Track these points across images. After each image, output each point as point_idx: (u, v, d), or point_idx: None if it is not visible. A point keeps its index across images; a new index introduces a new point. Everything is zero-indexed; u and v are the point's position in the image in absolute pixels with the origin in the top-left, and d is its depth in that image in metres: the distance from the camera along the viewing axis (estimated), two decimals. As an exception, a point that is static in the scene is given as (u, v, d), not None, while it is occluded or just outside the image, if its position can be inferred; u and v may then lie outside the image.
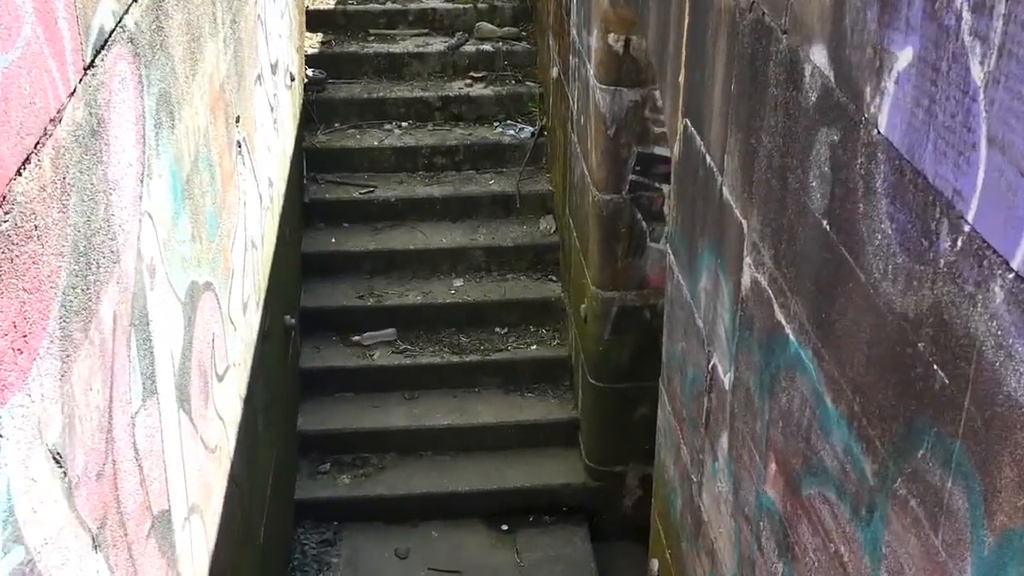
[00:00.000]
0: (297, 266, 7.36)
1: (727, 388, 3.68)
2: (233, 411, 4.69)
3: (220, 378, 4.39)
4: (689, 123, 4.09)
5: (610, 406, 6.66)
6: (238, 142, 5.00)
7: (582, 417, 7.02)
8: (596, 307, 6.40)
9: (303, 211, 7.75)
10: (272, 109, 6.35)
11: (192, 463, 3.81)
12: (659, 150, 6.01)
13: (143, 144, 3.28)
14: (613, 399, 6.64)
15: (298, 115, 7.73)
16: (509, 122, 8.29)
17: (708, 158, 3.82)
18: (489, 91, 8.41)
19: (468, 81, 8.46)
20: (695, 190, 4.02)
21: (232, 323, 4.70)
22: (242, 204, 5.07)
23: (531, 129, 8.19)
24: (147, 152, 3.33)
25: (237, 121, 4.98)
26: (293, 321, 6.59)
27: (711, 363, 3.89)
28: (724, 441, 3.73)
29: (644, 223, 6.17)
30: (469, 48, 8.61)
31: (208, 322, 4.18)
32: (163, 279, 3.48)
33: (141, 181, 3.25)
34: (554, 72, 7.55)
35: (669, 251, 4.57)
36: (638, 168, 6.05)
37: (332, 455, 7.00)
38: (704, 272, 3.95)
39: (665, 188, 6.10)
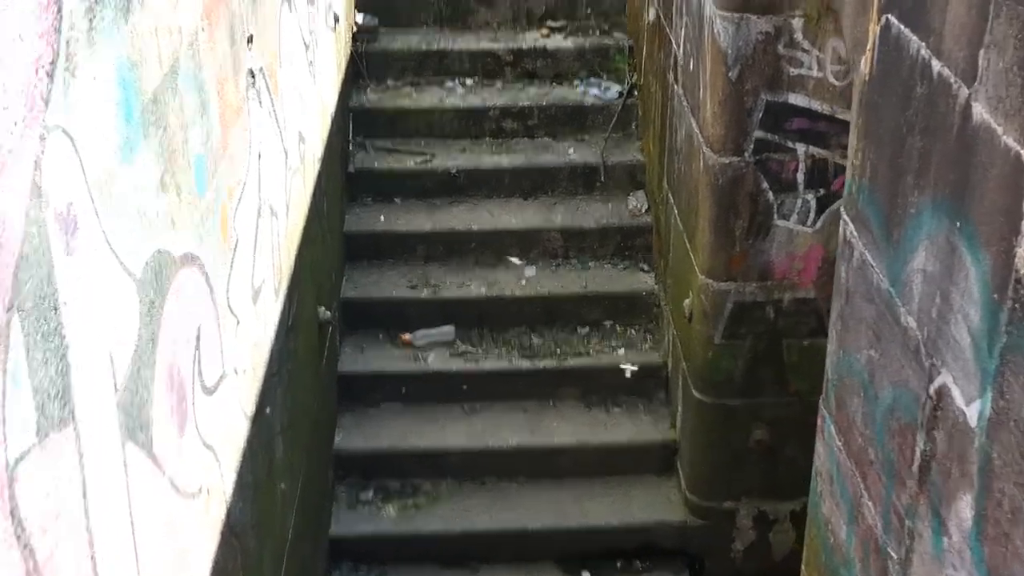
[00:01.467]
0: (338, 248, 6.12)
1: (974, 425, 2.34)
2: (233, 435, 3.43)
3: (210, 391, 3.14)
4: (894, 19, 2.75)
5: (719, 426, 5.33)
6: (251, 71, 3.75)
7: (682, 439, 5.69)
8: (705, 302, 5.07)
9: (347, 182, 6.51)
10: (307, 48, 5.11)
11: (151, 520, 2.56)
12: (794, 98, 4.66)
13: (55, 15, 2.03)
14: (723, 418, 5.30)
15: (343, 67, 6.49)
16: (593, 80, 6.96)
17: (937, 65, 2.48)
18: (569, 43, 7.09)
19: (544, 31, 7.15)
20: (906, 119, 2.68)
21: (234, 314, 3.44)
22: (255, 156, 3.82)
23: (619, 88, 6.86)
24: (65, 33, 2.08)
25: (250, 42, 3.73)
26: (329, 314, 5.34)
27: (935, 384, 2.55)
28: (965, 507, 2.39)
29: (771, 194, 4.83)
30: (546, -7, 7.31)
31: (189, 311, 2.92)
32: (96, 240, 2.23)
33: (49, 75, 2.00)
34: (651, 14, 6.22)
35: (845, 219, 3.23)
36: (766, 122, 4.70)
37: (376, 480, 5.73)
38: (921, 244, 2.61)
39: (800, 149, 4.76)
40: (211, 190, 3.17)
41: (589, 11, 7.20)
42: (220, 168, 3.28)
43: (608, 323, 6.26)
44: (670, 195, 5.79)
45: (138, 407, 2.47)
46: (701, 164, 4.96)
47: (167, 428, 2.69)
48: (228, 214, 3.39)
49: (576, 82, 7.01)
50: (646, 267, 6.39)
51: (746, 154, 4.75)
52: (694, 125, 5.11)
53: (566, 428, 5.86)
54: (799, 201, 4.85)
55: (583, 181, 6.65)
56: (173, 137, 2.78)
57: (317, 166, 5.37)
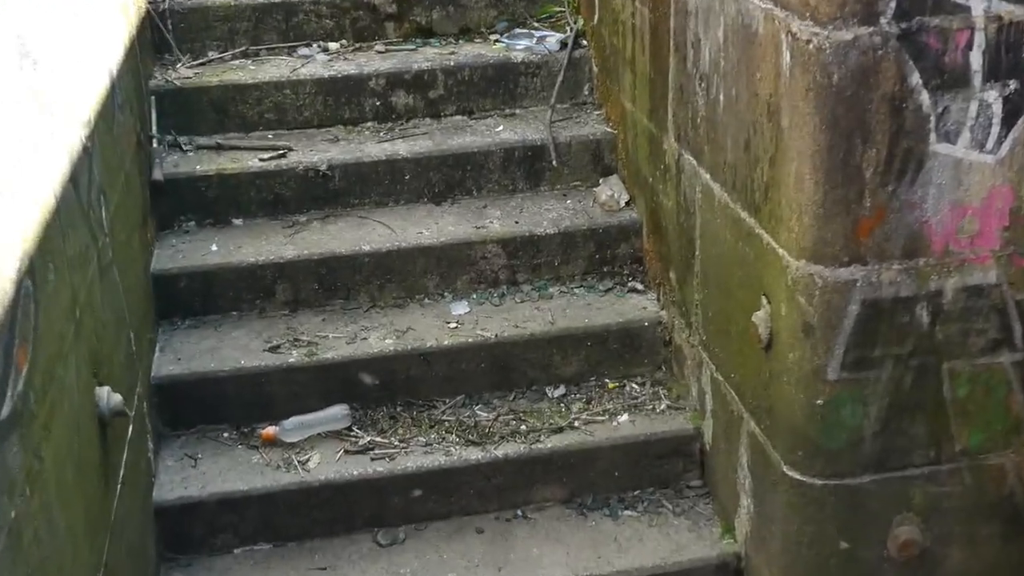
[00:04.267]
0: (140, 296, 3.66)
1: None
2: None
3: None
4: None
5: (836, 525, 3.06)
6: None
7: (754, 552, 3.38)
8: (808, 308, 2.82)
9: (152, 197, 4.08)
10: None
11: None
12: (969, -91, 2.53)
13: None
14: (843, 509, 3.05)
15: (132, 20, 4.10)
16: (518, 31, 4.75)
17: None
18: (478, -19, 4.89)
19: (439, -32, 4.91)
20: None
21: None
22: None
23: (559, 37, 4.65)
24: None
25: None
26: (120, 402, 2.85)
27: None
28: None
29: (927, 95, 2.65)
30: (435, -85, 5.08)
31: None
32: None
33: None
34: None
35: None
36: (917, -39, 2.55)
37: None
38: None
39: (976, 5, 2.60)
40: None
41: (502, -66, 5.00)
42: None
43: (594, 378, 3.95)
44: (688, 156, 3.55)
45: None
46: (785, 60, 2.74)
47: None
48: None
49: (492, 35, 4.78)
50: (640, 285, 4.13)
51: (883, 21, 2.56)
52: (751, 5, 2.90)
53: (553, 555, 3.49)
54: (973, 106, 2.68)
55: (525, 170, 4.38)
56: None
57: (81, 135, 2.95)
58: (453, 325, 3.95)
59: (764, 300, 3.04)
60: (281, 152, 4.26)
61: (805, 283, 2.82)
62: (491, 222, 4.20)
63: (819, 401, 2.91)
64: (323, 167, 4.23)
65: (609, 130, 4.40)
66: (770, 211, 2.94)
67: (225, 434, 3.73)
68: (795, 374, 2.93)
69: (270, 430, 3.68)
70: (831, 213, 2.72)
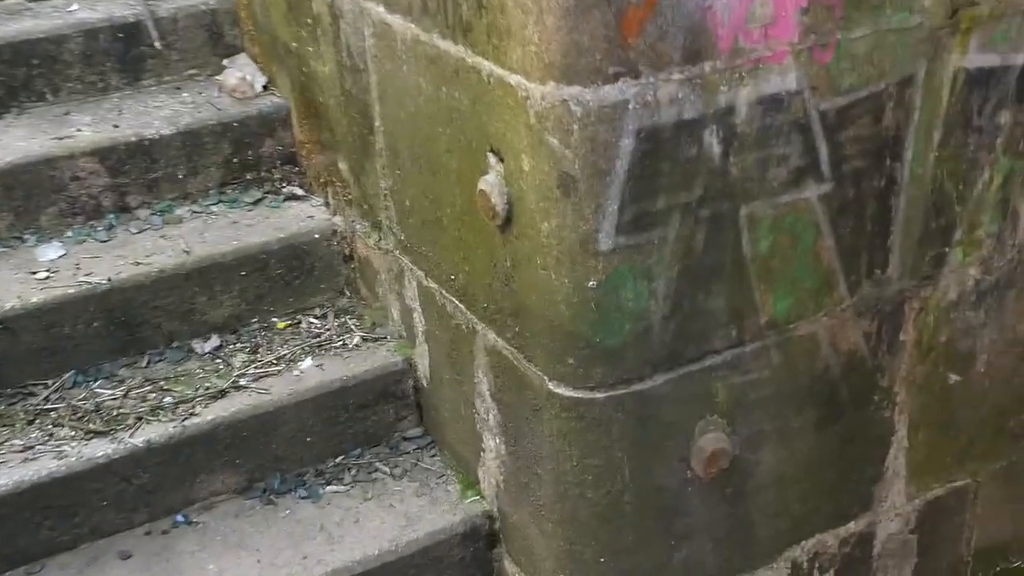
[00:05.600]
0: None
1: None
2: None
3: None
4: None
5: (625, 451, 2.27)
6: None
7: (512, 506, 2.53)
8: (562, 153, 1.97)
9: None
10: None
11: None
12: None
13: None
14: (634, 429, 2.25)
15: None
16: None
17: None
18: None
19: None
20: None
21: None
22: None
23: None
24: None
25: None
26: None
27: None
28: None
29: None
30: None
31: None
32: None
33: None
34: None
35: None
36: None
37: None
38: None
39: None
40: None
41: None
42: None
43: (256, 319, 2.92)
44: (346, -9, 2.59)
45: None
46: None
47: None
48: None
49: None
50: (299, 189, 3.12)
51: None
52: None
53: (239, 567, 2.47)
54: None
55: (118, 59, 3.22)
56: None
57: None
58: (43, 275, 2.77)
59: (493, 159, 2.16)
60: None
61: (558, 116, 1.95)
62: (79, 130, 3.02)
63: (591, 283, 2.07)
64: None
65: (227, -4, 3.33)
66: (489, 25, 2.05)
67: None
68: (553, 251, 2.08)
69: None
70: (586, 3, 1.87)
